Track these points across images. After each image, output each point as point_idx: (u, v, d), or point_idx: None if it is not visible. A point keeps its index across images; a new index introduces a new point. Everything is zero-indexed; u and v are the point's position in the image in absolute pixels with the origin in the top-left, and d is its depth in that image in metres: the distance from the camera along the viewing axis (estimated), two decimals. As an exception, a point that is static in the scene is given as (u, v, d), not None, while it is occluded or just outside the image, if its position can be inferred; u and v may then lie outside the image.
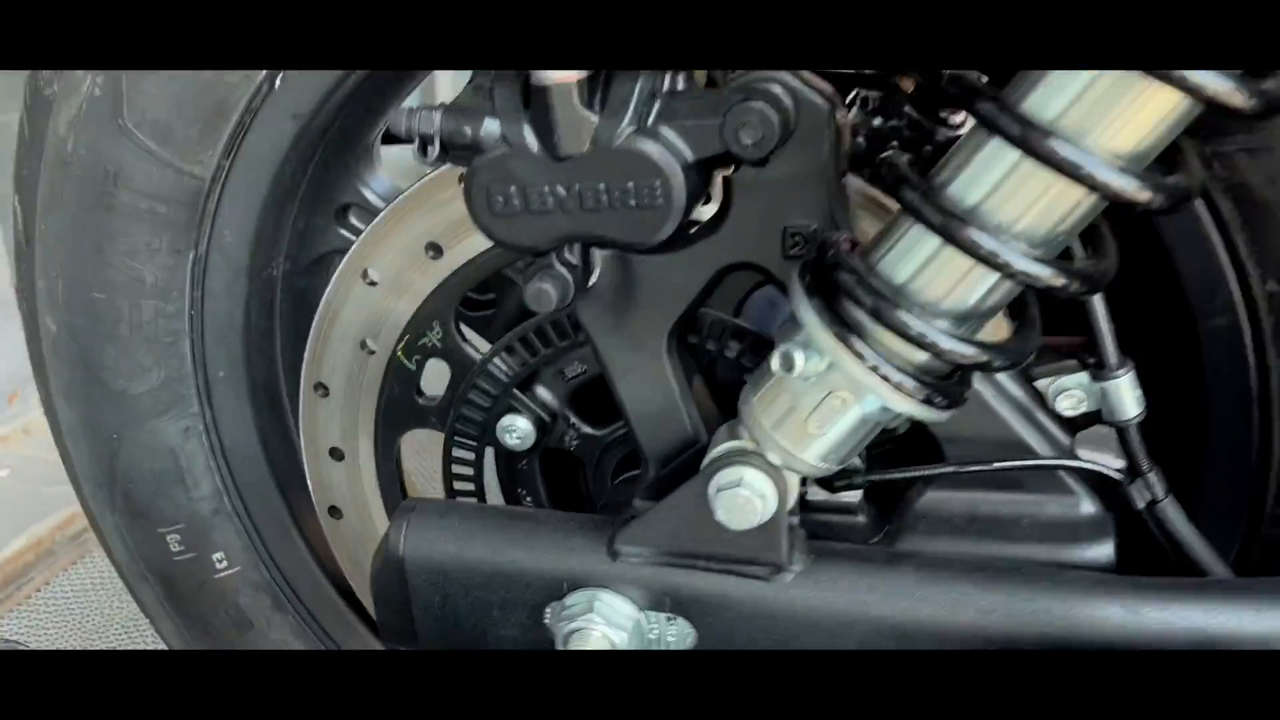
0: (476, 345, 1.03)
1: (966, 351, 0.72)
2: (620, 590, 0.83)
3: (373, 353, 1.00)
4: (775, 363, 0.76)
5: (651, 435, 0.88)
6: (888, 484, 0.92)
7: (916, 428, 0.85)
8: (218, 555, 1.23)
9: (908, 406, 0.74)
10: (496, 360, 0.98)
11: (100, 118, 0.99)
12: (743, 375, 0.91)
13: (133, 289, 1.08)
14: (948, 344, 0.71)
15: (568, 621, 0.83)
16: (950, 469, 0.89)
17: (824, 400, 0.76)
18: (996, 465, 0.88)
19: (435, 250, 0.95)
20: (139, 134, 1.00)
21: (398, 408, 1.02)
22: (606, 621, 0.82)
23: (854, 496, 0.93)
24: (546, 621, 0.86)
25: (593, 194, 0.75)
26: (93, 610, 1.90)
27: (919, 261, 0.73)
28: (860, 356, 0.73)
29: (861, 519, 0.93)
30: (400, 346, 0.99)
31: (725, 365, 0.95)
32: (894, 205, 0.76)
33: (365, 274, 0.98)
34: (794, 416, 0.78)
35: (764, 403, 0.80)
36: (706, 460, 0.81)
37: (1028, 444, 0.88)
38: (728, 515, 0.78)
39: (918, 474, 0.91)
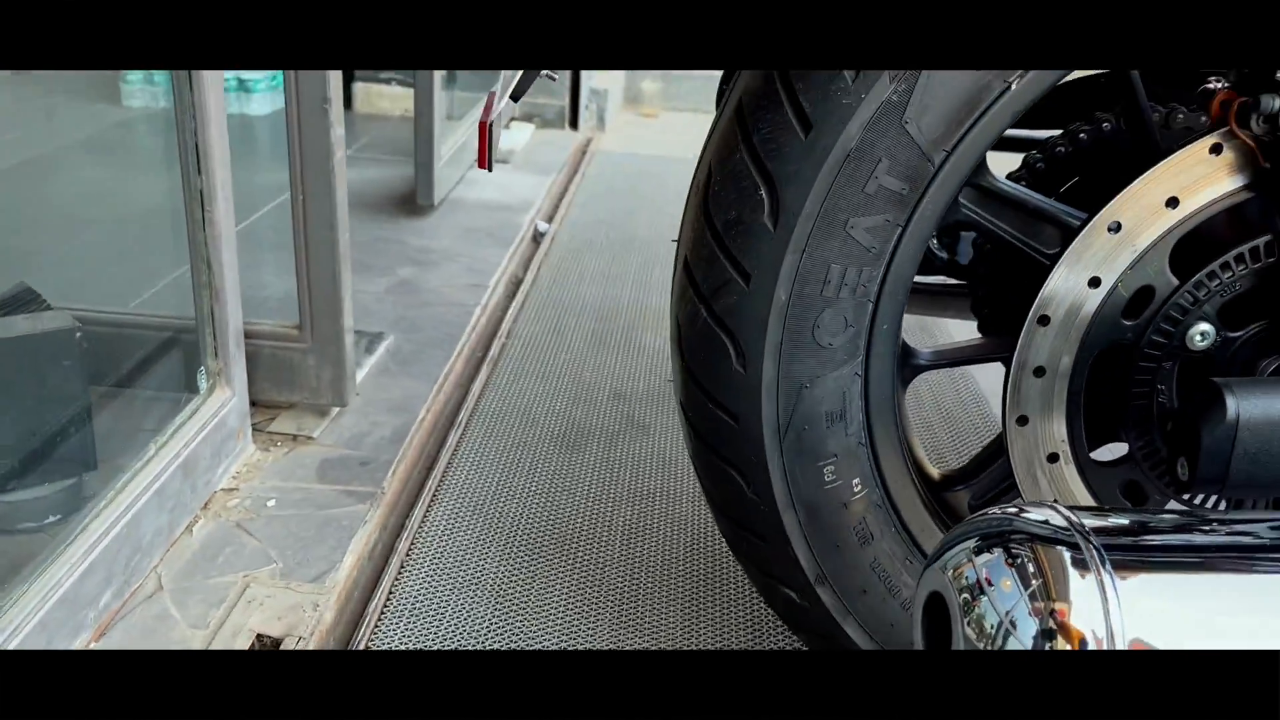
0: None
1: None
2: None
3: (1097, 285, 1.32)
4: None
5: None
6: None
7: None
8: (855, 481, 1.48)
9: None
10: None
11: (890, 117, 1.26)
12: None
13: (861, 257, 1.34)
14: None
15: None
16: None
17: None
18: None
19: (1173, 203, 1.29)
20: (913, 129, 1.27)
21: (1102, 328, 1.34)
22: None
23: None
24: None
25: None
26: (460, 609, 2.02)
27: None
28: None
29: None
30: (1121, 279, 1.31)
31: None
32: None
33: (1111, 225, 1.30)
34: None
35: None
36: None
37: None
38: None
39: None
